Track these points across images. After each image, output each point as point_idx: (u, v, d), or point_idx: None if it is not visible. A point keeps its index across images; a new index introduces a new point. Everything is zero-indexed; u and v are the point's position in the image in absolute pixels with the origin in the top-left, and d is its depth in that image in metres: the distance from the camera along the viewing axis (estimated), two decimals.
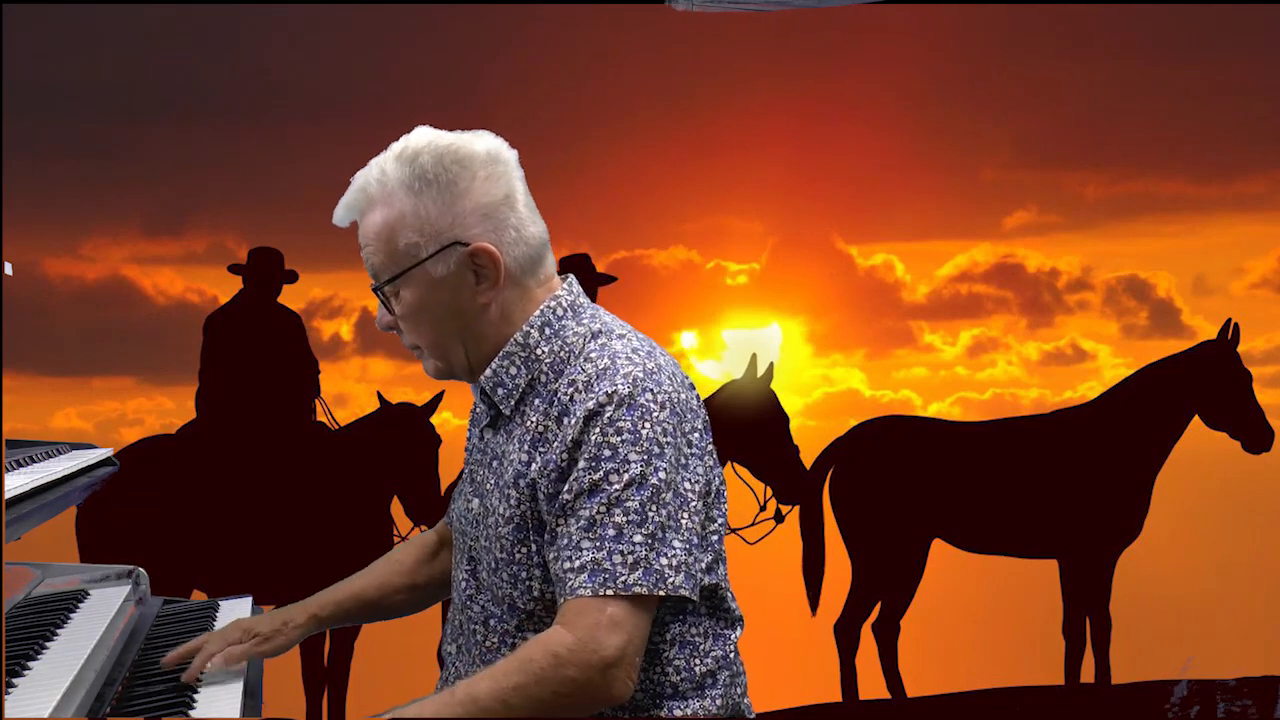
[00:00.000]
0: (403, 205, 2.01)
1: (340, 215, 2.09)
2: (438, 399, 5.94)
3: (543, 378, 2.04)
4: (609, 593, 1.89)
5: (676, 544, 1.92)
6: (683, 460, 1.96)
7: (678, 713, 2.03)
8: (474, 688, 1.89)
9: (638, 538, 1.90)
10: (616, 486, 1.91)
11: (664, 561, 1.91)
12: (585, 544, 1.91)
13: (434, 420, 5.93)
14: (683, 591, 1.92)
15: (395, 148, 2.06)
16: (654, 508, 1.91)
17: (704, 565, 2.02)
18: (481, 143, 2.06)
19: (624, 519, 1.90)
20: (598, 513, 1.91)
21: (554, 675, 1.87)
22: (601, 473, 1.92)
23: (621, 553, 1.90)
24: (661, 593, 1.90)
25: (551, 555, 1.97)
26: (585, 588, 1.89)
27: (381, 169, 2.04)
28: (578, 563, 1.91)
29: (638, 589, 1.89)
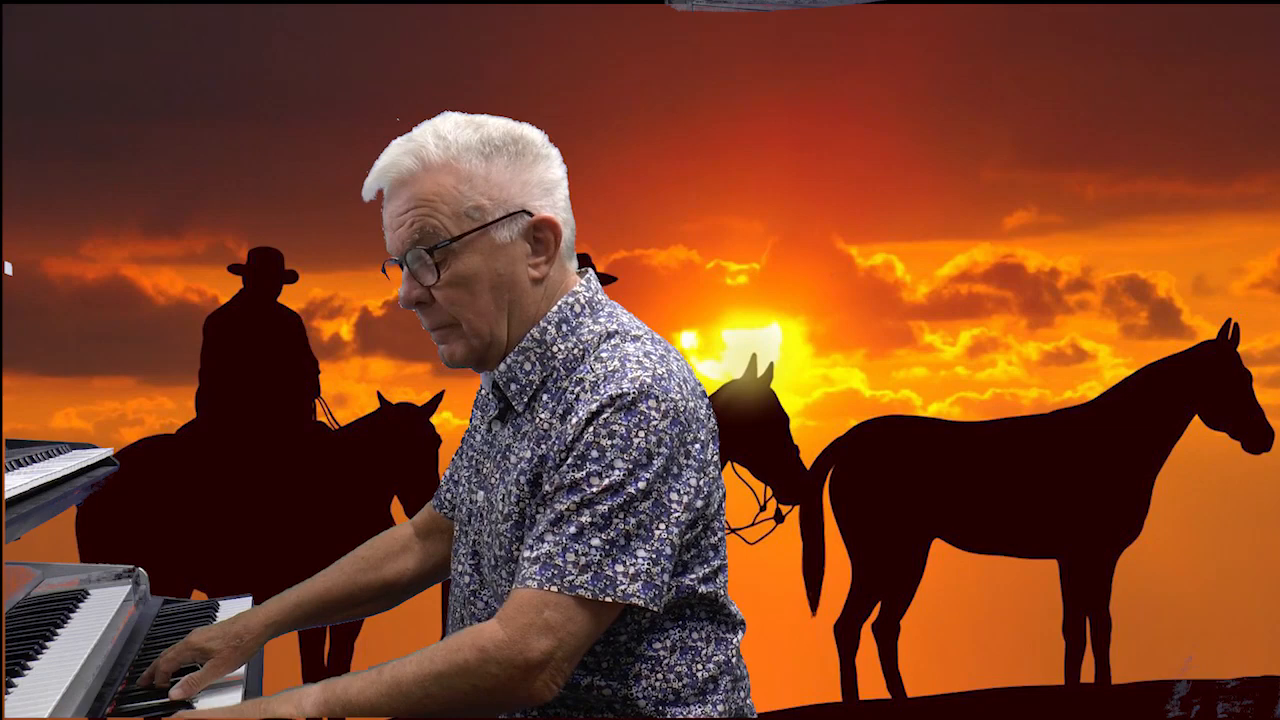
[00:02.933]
0: (472, 168, 2.00)
1: (383, 180, 2.03)
2: (438, 399, 5.94)
3: (556, 375, 2.04)
4: (554, 589, 1.88)
5: (640, 553, 1.91)
6: (675, 470, 1.94)
7: (680, 718, 2.02)
8: (400, 671, 1.90)
9: (595, 541, 1.90)
10: (594, 489, 1.91)
11: (619, 569, 1.90)
12: (548, 537, 1.91)
13: (434, 420, 5.93)
14: (634, 600, 1.90)
15: (446, 120, 2.04)
16: (622, 515, 1.90)
17: (702, 575, 2.02)
18: (531, 129, 2.08)
19: (589, 520, 1.90)
20: (568, 509, 1.91)
21: (477, 670, 1.88)
22: (584, 472, 1.92)
23: (576, 552, 1.89)
24: (608, 599, 1.89)
25: (524, 541, 1.97)
26: (534, 579, 1.90)
27: (439, 135, 2.01)
28: (535, 553, 1.91)
29: (582, 591, 1.88)
